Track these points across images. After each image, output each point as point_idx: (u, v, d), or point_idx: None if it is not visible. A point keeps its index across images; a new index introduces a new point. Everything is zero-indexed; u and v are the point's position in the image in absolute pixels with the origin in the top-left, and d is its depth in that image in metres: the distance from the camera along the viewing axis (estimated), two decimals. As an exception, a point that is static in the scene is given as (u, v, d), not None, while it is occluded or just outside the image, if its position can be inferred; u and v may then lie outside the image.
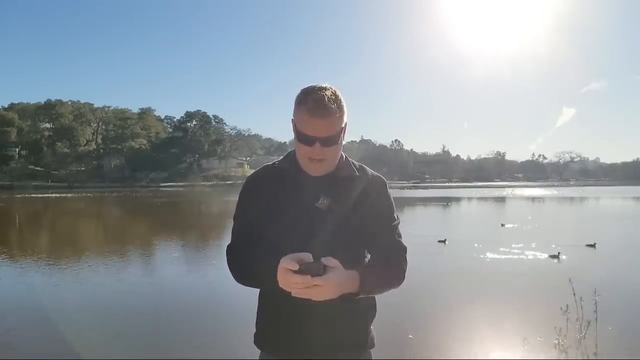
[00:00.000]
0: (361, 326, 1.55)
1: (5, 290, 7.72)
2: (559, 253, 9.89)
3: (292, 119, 1.46)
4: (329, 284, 1.27)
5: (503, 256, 10.18)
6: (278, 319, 1.49)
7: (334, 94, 1.40)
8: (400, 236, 1.57)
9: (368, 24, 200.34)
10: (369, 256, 1.55)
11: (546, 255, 10.03)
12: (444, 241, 11.91)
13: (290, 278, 1.26)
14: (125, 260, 10.64)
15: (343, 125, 1.44)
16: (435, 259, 9.99)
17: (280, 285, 1.30)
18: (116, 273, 9.00)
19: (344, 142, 1.49)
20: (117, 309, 6.43)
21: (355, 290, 1.36)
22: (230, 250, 1.53)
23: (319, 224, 1.46)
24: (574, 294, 4.92)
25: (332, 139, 1.41)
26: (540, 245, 11.36)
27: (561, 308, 4.87)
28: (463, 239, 13.07)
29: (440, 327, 5.50)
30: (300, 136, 1.42)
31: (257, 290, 1.54)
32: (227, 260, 1.52)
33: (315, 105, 1.37)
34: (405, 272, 1.52)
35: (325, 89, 1.40)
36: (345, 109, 1.43)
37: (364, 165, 1.61)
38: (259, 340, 1.56)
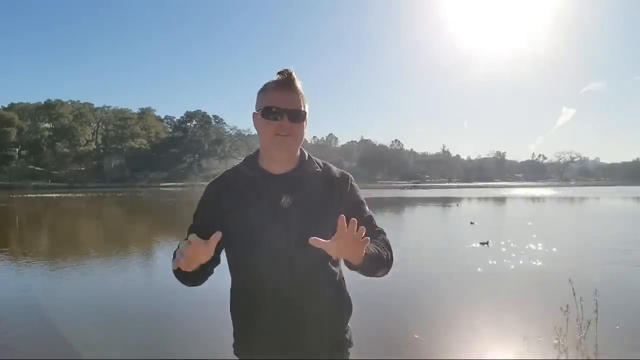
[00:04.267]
0: (337, 326, 1.53)
1: (5, 290, 7.71)
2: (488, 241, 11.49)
3: (253, 112, 1.47)
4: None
5: (503, 256, 10.18)
6: (251, 325, 1.48)
7: (296, 75, 1.44)
8: (380, 229, 1.53)
9: (368, 25, 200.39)
10: None
11: (540, 251, 10.02)
12: (486, 243, 11.64)
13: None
14: (127, 260, 10.63)
15: (306, 111, 1.45)
16: (437, 259, 9.98)
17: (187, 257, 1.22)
18: (117, 273, 9.00)
19: (306, 131, 1.47)
20: (118, 309, 6.42)
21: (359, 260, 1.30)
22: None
23: (285, 222, 1.42)
24: (574, 294, 4.92)
25: (299, 114, 1.42)
26: (540, 244, 11.36)
27: (561, 308, 4.87)
28: (463, 239, 13.07)
29: (442, 327, 5.50)
30: (266, 112, 1.41)
31: None
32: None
33: (283, 79, 1.42)
34: (392, 259, 1.47)
35: (291, 72, 1.43)
36: (306, 97, 1.46)
37: (328, 163, 1.59)
38: (237, 349, 1.54)
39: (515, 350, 4.64)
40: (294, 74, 1.42)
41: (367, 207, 1.55)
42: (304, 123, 1.45)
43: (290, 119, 1.40)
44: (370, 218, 1.52)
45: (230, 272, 1.54)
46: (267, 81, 1.46)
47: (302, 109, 1.43)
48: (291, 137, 1.41)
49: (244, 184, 1.48)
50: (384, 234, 1.53)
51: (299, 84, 1.43)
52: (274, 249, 1.40)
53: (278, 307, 1.41)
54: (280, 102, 1.40)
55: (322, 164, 1.55)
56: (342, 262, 1.48)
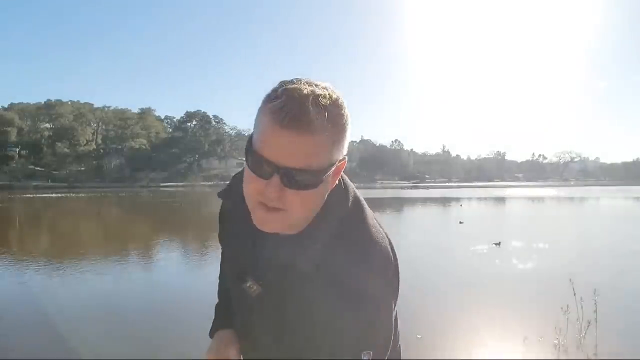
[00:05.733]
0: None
1: (4, 290, 7.71)
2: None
3: (249, 135, 0.86)
4: None
5: (503, 256, 10.18)
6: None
7: (329, 96, 0.80)
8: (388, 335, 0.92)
9: (368, 23, 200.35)
10: None
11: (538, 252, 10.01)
12: (498, 244, 11.59)
13: None
14: (127, 261, 10.63)
15: (334, 158, 0.83)
16: (438, 258, 9.98)
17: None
18: (118, 273, 8.99)
19: (330, 187, 0.88)
20: (118, 309, 6.42)
21: None
22: (219, 280, 1.33)
23: (250, 317, 1.00)
24: (574, 294, 4.92)
25: (304, 177, 0.80)
26: (536, 244, 11.35)
27: (561, 308, 4.88)
28: (466, 239, 13.07)
29: (443, 327, 5.49)
30: (252, 161, 0.83)
31: None
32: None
33: (288, 108, 0.77)
34: None
35: (313, 84, 0.80)
36: (346, 126, 0.83)
37: (364, 231, 0.92)
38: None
39: (516, 350, 4.63)
40: (315, 95, 0.78)
41: (374, 333, 0.88)
42: (323, 180, 0.83)
43: (284, 182, 0.80)
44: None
45: None
46: (276, 87, 0.82)
47: (317, 165, 0.80)
48: (281, 212, 0.83)
49: (240, 224, 0.98)
50: None
51: (320, 112, 0.78)
52: (255, 335, 1.03)
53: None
54: (272, 151, 0.79)
55: (346, 231, 0.90)
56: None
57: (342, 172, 0.90)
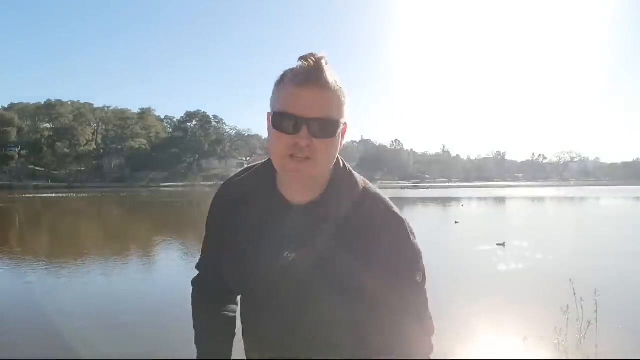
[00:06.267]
0: None
1: (5, 290, 7.71)
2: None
3: (267, 112, 1.02)
4: None
5: (504, 256, 10.18)
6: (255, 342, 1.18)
7: (332, 73, 0.98)
8: (424, 307, 1.12)
9: (369, 23, 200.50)
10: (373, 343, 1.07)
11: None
12: (502, 244, 11.58)
13: None
14: (128, 261, 10.63)
15: (342, 118, 0.99)
16: (439, 258, 9.99)
17: None
18: (118, 273, 8.99)
19: (343, 143, 1.03)
20: (118, 308, 6.42)
21: None
22: (194, 289, 1.25)
23: (283, 286, 1.04)
24: (574, 294, 4.92)
25: (327, 127, 0.96)
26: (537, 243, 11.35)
27: (561, 308, 4.87)
28: (467, 240, 13.07)
29: (444, 327, 5.46)
30: (278, 120, 0.96)
31: None
32: (192, 296, 1.24)
33: (308, 70, 0.94)
34: None
35: (321, 57, 0.96)
36: (346, 95, 1.00)
37: (369, 188, 1.08)
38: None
39: (516, 350, 4.64)
40: (324, 60, 0.95)
41: (417, 274, 1.07)
42: (337, 136, 0.99)
43: (312, 133, 0.94)
44: (412, 301, 1.09)
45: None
46: (286, 69, 1.00)
47: (335, 116, 0.97)
48: (310, 161, 0.96)
49: (253, 207, 1.09)
50: (426, 335, 1.14)
51: (331, 75, 0.96)
52: (269, 323, 1.09)
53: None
54: (298, 107, 0.94)
55: (361, 191, 1.06)
56: (364, 323, 1.06)
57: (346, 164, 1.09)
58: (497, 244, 11.54)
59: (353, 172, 1.09)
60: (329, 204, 1.03)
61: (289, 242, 1.04)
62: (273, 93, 1.00)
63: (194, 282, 1.25)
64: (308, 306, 1.03)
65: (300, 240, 1.03)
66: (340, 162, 1.08)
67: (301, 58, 0.96)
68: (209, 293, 1.22)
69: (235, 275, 1.12)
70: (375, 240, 1.01)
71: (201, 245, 1.25)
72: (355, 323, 1.05)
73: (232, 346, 1.21)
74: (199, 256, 1.25)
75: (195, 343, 1.19)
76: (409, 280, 1.06)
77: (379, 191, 1.09)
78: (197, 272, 1.26)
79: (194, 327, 1.22)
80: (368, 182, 1.11)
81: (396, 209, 1.06)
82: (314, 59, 0.94)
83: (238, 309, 1.24)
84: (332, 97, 0.96)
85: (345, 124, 1.01)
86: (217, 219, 1.16)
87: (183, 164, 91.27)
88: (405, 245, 1.04)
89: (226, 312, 1.22)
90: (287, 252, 1.03)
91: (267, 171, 1.10)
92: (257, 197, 1.09)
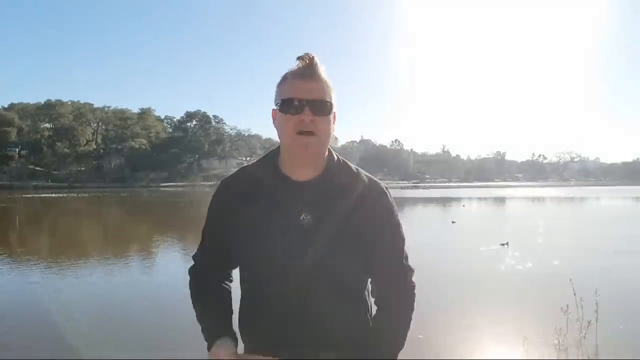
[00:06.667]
0: (352, 353, 1.30)
1: (5, 290, 7.71)
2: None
3: (272, 109, 1.28)
4: None
5: (504, 256, 10.18)
6: (257, 347, 1.30)
7: (323, 68, 1.26)
8: (407, 258, 1.35)
9: (368, 23, 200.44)
10: (370, 286, 1.37)
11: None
12: (506, 244, 11.58)
13: None
14: (128, 261, 10.63)
15: (332, 102, 1.25)
16: (440, 258, 9.98)
17: None
18: (119, 273, 9.00)
19: (334, 127, 1.28)
20: (118, 308, 6.43)
21: None
22: (192, 275, 1.39)
23: (304, 244, 1.23)
24: (575, 294, 4.92)
25: (323, 106, 1.22)
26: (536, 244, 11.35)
27: (561, 308, 4.87)
28: (468, 240, 13.07)
29: (444, 327, 5.49)
30: (285, 104, 1.22)
31: None
32: (189, 283, 1.38)
33: (304, 65, 1.23)
34: (413, 309, 1.36)
35: (313, 56, 1.25)
36: (333, 88, 1.27)
37: (361, 170, 1.35)
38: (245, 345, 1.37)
39: (516, 350, 4.64)
40: (316, 58, 1.23)
41: (399, 232, 1.36)
42: (331, 117, 1.25)
43: (313, 111, 1.20)
44: (399, 250, 1.35)
45: (240, 285, 1.37)
46: (286, 72, 1.27)
47: (328, 99, 1.23)
48: (314, 135, 1.21)
49: (259, 191, 1.28)
50: (409, 270, 1.35)
51: (322, 70, 1.24)
52: (288, 274, 1.24)
53: (287, 339, 1.26)
54: (300, 92, 1.20)
55: (354, 170, 1.33)
56: (368, 290, 1.37)
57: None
58: (501, 244, 11.54)
59: (345, 160, 1.34)
60: (333, 176, 1.28)
61: (303, 206, 1.24)
62: (276, 91, 1.26)
63: (191, 269, 1.39)
64: (320, 260, 1.23)
65: (314, 203, 1.25)
66: (333, 153, 1.32)
67: (299, 57, 1.24)
68: (208, 274, 1.37)
69: (249, 250, 1.28)
70: (370, 204, 1.29)
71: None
72: (357, 299, 1.33)
73: (232, 318, 1.32)
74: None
75: (198, 320, 1.32)
76: (391, 221, 1.34)
77: (364, 172, 1.34)
78: (193, 262, 1.41)
79: (194, 307, 1.35)
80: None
81: (379, 181, 1.35)
82: (309, 57, 1.23)
83: (238, 305, 1.37)
84: (324, 84, 1.23)
85: (334, 112, 1.27)
86: (223, 208, 1.33)
87: (183, 164, 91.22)
88: (391, 209, 1.34)
89: (225, 286, 1.37)
90: (303, 216, 1.24)
91: (267, 158, 1.34)
92: (264, 180, 1.29)
